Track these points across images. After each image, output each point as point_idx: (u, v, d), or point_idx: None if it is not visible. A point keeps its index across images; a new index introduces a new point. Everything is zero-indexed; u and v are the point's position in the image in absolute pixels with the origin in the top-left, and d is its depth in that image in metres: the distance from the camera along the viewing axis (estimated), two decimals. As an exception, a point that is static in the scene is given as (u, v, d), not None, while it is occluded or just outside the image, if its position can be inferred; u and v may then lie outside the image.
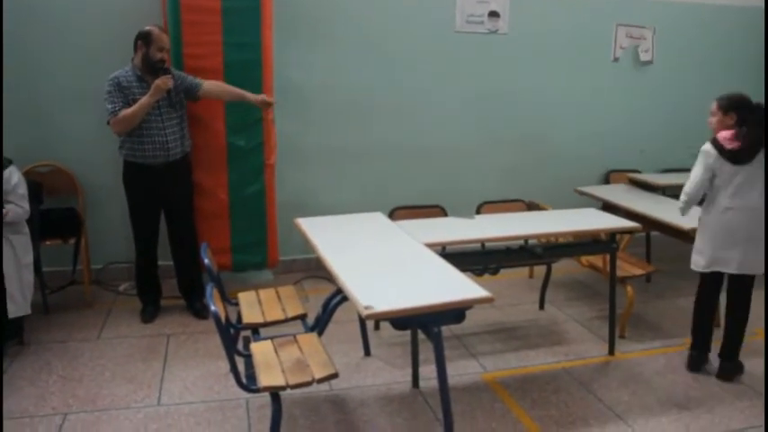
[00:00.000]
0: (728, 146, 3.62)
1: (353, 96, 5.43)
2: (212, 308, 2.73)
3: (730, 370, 3.93)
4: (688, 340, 4.19)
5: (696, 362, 4.02)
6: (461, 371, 3.97)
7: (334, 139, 5.45)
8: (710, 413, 3.59)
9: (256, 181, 4.87)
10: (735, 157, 3.61)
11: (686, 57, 6.44)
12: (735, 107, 3.74)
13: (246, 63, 4.69)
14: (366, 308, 2.56)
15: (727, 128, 3.70)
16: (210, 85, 4.49)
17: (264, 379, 2.82)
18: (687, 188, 3.79)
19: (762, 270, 3.80)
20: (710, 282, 3.92)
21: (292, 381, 2.79)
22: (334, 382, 3.63)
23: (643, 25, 6.25)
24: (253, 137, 4.79)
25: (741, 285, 3.87)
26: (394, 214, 4.33)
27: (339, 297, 3.28)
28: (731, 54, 6.61)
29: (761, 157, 3.60)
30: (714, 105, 3.85)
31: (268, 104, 4.60)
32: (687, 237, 4.48)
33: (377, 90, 5.48)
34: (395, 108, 5.56)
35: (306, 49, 5.23)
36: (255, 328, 3.50)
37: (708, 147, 3.69)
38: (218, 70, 4.63)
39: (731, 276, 3.84)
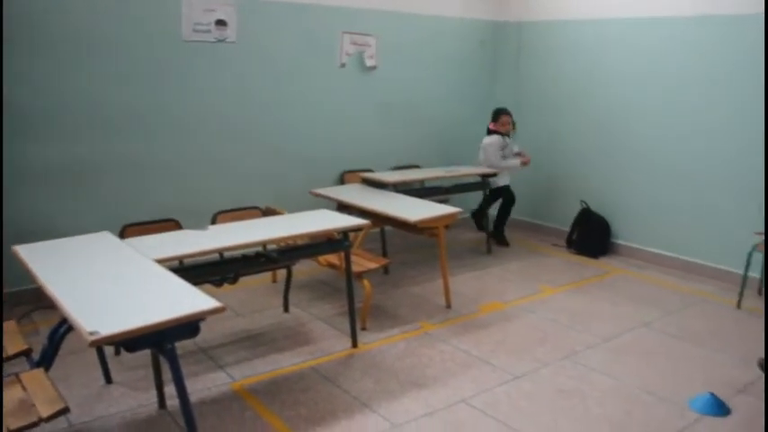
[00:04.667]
0: None
1: (83, 110, 5.07)
2: None
3: None
4: (423, 323, 4.53)
5: None
6: (210, 384, 3.92)
7: (63, 156, 5.03)
8: (446, 386, 3.90)
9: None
10: None
11: (408, 62, 6.93)
12: None
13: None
14: (91, 334, 2.44)
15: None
16: None
17: (-18, 428, 2.58)
18: None
19: None
20: None
21: (15, 425, 2.57)
22: (73, 416, 3.47)
23: (367, 33, 6.59)
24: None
25: None
26: (125, 232, 4.15)
27: (65, 326, 3.08)
28: (447, 58, 7.26)
29: None
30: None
31: None
32: (415, 229, 4.83)
33: (107, 103, 5.17)
34: (127, 121, 5.30)
35: (24, 61, 4.80)
36: (-28, 373, 3.18)
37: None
38: None
39: None
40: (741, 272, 5.24)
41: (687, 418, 3.60)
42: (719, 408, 3.67)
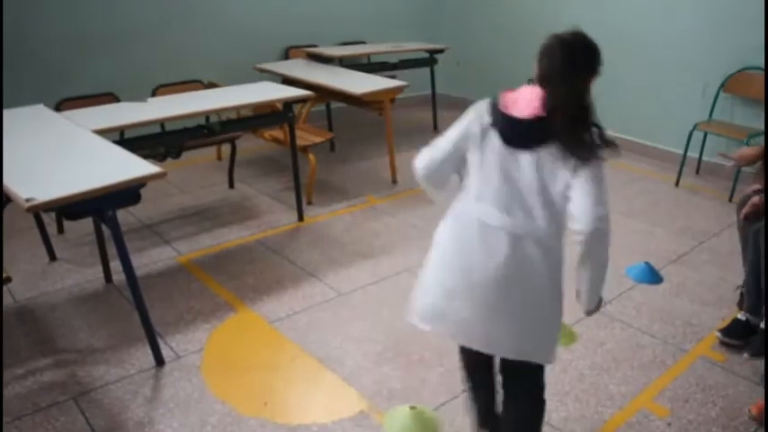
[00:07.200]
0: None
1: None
2: None
3: None
4: (370, 197, 4.52)
5: None
6: (155, 258, 3.91)
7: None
8: (392, 257, 3.97)
9: None
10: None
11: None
12: None
13: None
14: (27, 200, 2.38)
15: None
16: None
17: None
18: None
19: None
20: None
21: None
22: (18, 292, 3.46)
23: None
24: None
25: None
26: (61, 106, 4.01)
27: (2, 199, 2.99)
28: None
29: None
30: None
31: None
32: (360, 102, 4.76)
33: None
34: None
35: None
36: None
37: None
38: None
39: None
40: (681, 152, 5.34)
41: (624, 284, 3.74)
42: (654, 275, 3.82)
